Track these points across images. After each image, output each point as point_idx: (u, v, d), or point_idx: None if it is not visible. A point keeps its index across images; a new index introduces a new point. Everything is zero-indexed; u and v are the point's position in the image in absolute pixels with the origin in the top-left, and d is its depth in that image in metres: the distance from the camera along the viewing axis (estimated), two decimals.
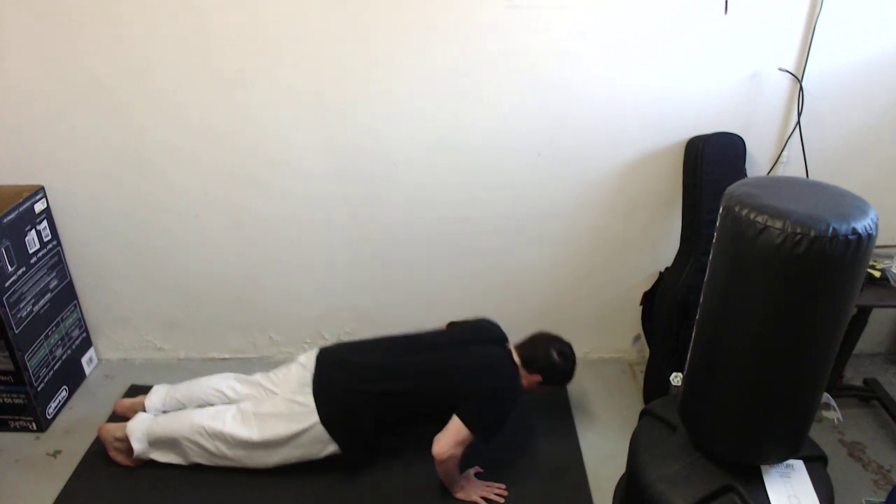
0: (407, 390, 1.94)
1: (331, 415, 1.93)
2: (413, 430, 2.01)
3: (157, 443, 2.02)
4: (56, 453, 2.17)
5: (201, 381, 2.13)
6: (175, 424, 2.00)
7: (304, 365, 2.08)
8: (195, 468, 2.04)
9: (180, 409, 2.10)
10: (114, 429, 2.05)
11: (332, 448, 1.96)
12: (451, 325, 2.26)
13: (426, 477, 2.02)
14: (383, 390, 1.94)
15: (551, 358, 2.03)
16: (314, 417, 1.92)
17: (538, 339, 2.09)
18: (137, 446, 2.00)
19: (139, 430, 2.01)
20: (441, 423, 1.89)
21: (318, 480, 2.04)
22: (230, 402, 2.07)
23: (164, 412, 2.10)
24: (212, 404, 2.08)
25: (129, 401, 2.18)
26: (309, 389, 1.97)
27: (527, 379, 2.04)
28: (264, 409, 1.97)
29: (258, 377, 2.12)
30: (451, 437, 1.85)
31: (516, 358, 2.04)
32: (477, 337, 2.09)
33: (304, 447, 1.96)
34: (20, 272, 2.14)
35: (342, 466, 2.07)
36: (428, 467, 2.00)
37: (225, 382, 2.11)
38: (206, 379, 2.14)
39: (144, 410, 2.10)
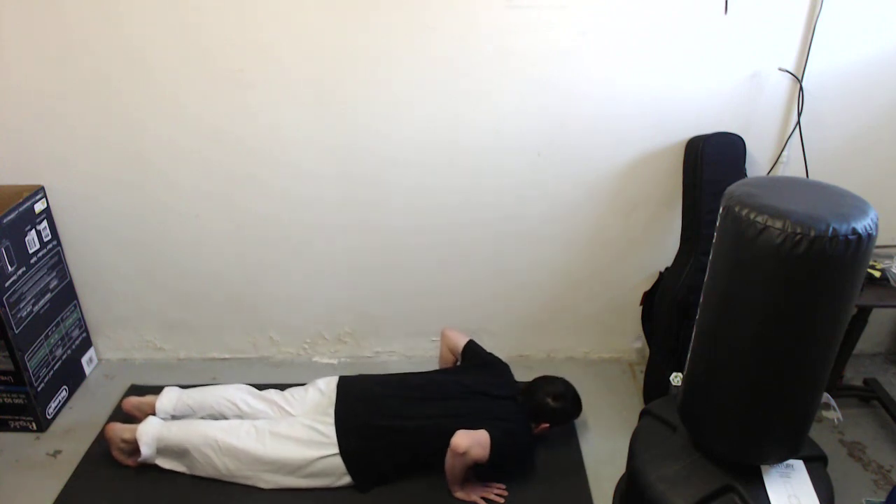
0: (427, 435, 1.96)
1: (351, 448, 1.94)
2: (427, 470, 2.01)
3: (165, 450, 2.01)
4: (56, 453, 2.17)
5: (215, 391, 2.13)
6: (187, 434, 1.99)
7: (322, 391, 2.09)
8: None
9: (190, 415, 2.09)
10: (122, 430, 2.03)
11: (344, 480, 1.97)
12: (467, 350, 2.27)
13: (426, 477, 2.02)
14: (404, 430, 1.96)
15: (548, 406, 2.09)
16: (333, 448, 1.93)
17: (532, 391, 2.13)
18: (146, 451, 1.99)
19: (149, 436, 1.99)
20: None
21: None
22: (242, 415, 2.07)
23: (174, 417, 2.09)
24: (223, 415, 2.08)
25: (136, 399, 2.14)
26: (329, 420, 1.97)
27: (537, 428, 2.09)
28: (281, 429, 1.97)
29: (273, 394, 2.13)
30: (475, 436, 1.87)
31: None
32: (495, 392, 2.10)
33: (317, 477, 1.96)
34: (20, 272, 2.14)
35: None
36: (428, 468, 2.00)
37: (239, 395, 2.11)
38: (220, 389, 2.14)
39: (153, 412, 2.08)
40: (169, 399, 2.11)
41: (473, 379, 2.15)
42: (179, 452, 2.00)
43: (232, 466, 1.96)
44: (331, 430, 1.95)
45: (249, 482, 1.98)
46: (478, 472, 2.03)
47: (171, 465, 2.03)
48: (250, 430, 1.98)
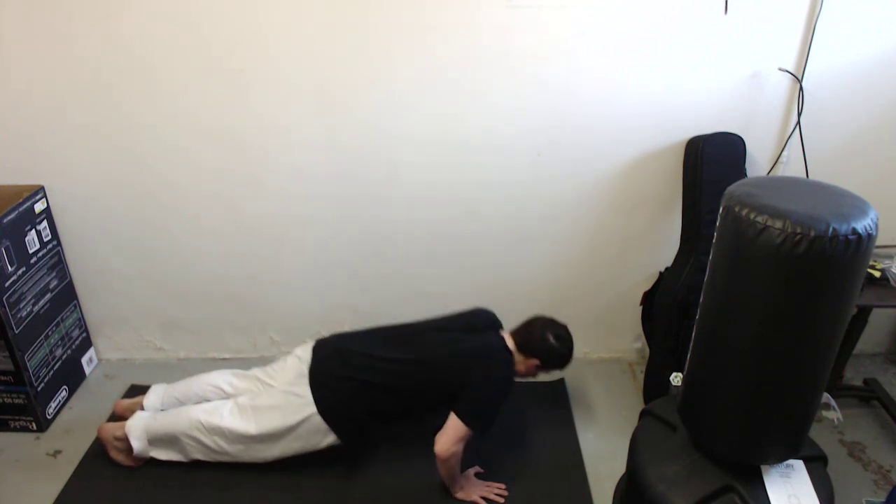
0: (401, 378, 1.94)
1: (327, 404, 1.92)
2: (411, 423, 2.00)
3: (156, 440, 2.02)
4: (56, 453, 2.17)
5: (199, 378, 2.13)
6: (173, 421, 2.00)
7: (300, 357, 2.08)
8: (196, 468, 2.04)
9: (178, 406, 2.09)
10: (113, 428, 2.05)
11: (330, 438, 1.96)
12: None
13: (426, 476, 2.02)
14: (378, 379, 1.94)
15: (548, 341, 2.02)
16: (311, 408, 1.92)
17: (534, 322, 2.08)
18: (137, 444, 2.00)
19: (138, 429, 2.01)
20: (437, 413, 1.90)
21: (320, 480, 2.04)
22: (228, 397, 2.07)
23: (163, 411, 2.09)
24: (210, 400, 2.08)
25: (127, 401, 2.18)
26: (305, 381, 1.96)
27: (524, 364, 2.03)
28: (261, 401, 1.97)
29: (255, 371, 2.12)
30: (450, 434, 1.85)
31: (511, 343, 2.04)
32: (470, 325, 2.08)
33: (303, 438, 1.95)
34: (20, 272, 2.14)
35: (343, 465, 2.08)
36: (428, 467, 2.00)
37: (222, 378, 2.11)
38: (204, 376, 2.14)
39: (143, 410, 2.10)
40: (156, 394, 2.12)
41: (451, 317, 2.12)
42: (170, 440, 2.01)
43: (223, 443, 1.96)
44: (307, 391, 1.94)
45: (245, 457, 1.99)
46: (477, 472, 2.02)
47: (166, 455, 2.03)
48: (233, 408, 1.98)
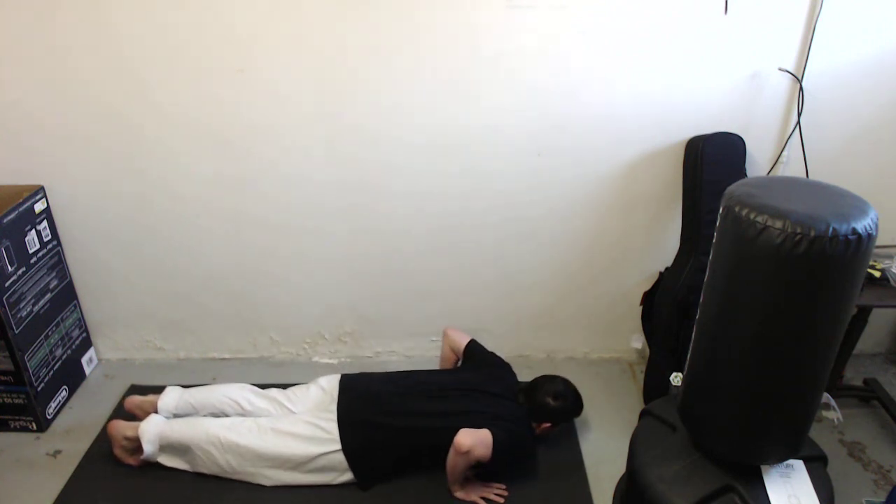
0: (428, 432, 1.96)
1: (353, 444, 1.94)
2: (428, 467, 2.02)
3: (168, 447, 2.01)
4: (56, 453, 2.17)
5: (217, 389, 2.13)
6: (189, 432, 1.99)
7: (324, 389, 2.10)
8: None
9: (193, 413, 2.09)
10: (125, 427, 2.04)
11: (346, 477, 1.98)
12: (468, 350, 2.28)
13: (426, 476, 2.02)
14: (408, 432, 1.97)
15: (549, 405, 2.08)
16: (336, 445, 1.94)
17: (532, 390, 2.13)
18: (149, 448, 1.99)
19: (152, 433, 1.99)
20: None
21: None
22: (244, 413, 2.07)
23: (176, 415, 2.09)
24: (225, 413, 2.08)
25: (138, 398, 2.15)
26: (332, 416, 1.98)
27: (539, 428, 2.10)
28: (283, 426, 1.98)
29: (275, 393, 2.13)
30: (478, 435, 1.88)
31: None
32: (495, 390, 2.10)
33: (319, 472, 1.97)
34: (20, 272, 2.14)
35: None
36: (428, 468, 2.00)
37: (241, 393, 2.11)
38: (223, 387, 2.14)
39: (155, 411, 2.08)
40: (171, 398, 2.11)
41: (474, 378, 2.15)
42: (182, 450, 2.00)
43: (234, 463, 1.96)
44: (333, 427, 1.95)
45: (252, 479, 1.99)
46: (478, 472, 2.03)
47: (173, 462, 2.03)
48: (252, 427, 1.98)
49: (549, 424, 2.10)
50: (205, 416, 2.08)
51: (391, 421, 1.97)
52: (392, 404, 2.02)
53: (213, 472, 2.00)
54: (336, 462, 1.95)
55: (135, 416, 2.12)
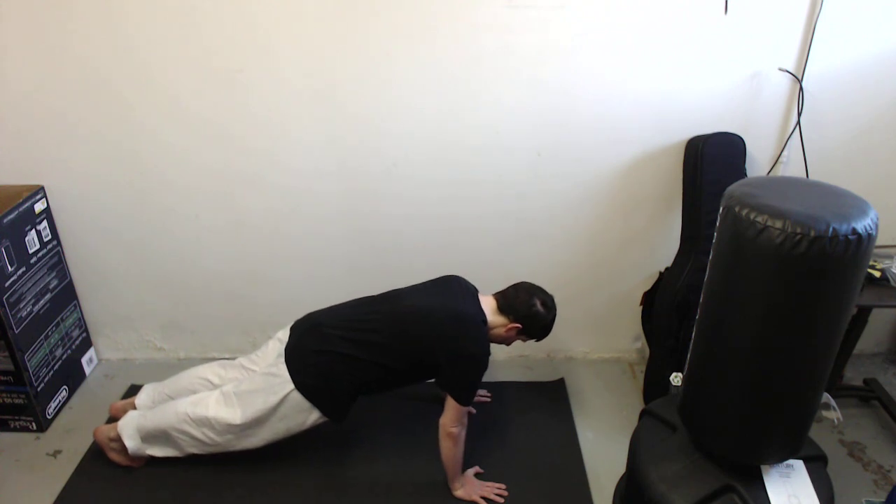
0: (374, 344, 1.91)
1: (305, 380, 1.90)
2: (392, 394, 1.99)
3: (148, 437, 2.01)
4: (56, 453, 2.17)
5: (187, 373, 2.13)
6: (162, 416, 1.99)
7: (280, 339, 2.07)
8: (194, 467, 2.04)
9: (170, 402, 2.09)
10: (107, 430, 2.05)
11: (315, 415, 1.93)
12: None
13: (426, 477, 2.02)
14: (351, 349, 1.91)
15: (535, 306, 1.99)
16: (289, 386, 1.90)
17: (521, 286, 2.05)
18: (130, 443, 2.00)
19: (129, 427, 2.01)
20: (413, 383, 1.97)
21: (317, 480, 2.04)
22: (216, 388, 2.06)
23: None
24: (198, 393, 2.07)
25: (121, 402, 2.20)
26: (283, 359, 1.95)
27: (504, 328, 1.99)
28: (244, 387, 1.96)
29: (240, 360, 2.11)
30: (451, 414, 1.87)
31: (493, 305, 2.01)
32: (445, 290, 2.04)
33: (287, 418, 1.93)
34: (20, 272, 2.14)
35: (343, 464, 2.07)
36: (428, 467, 2.00)
37: (209, 370, 2.11)
38: (192, 370, 2.14)
39: (135, 409, 2.10)
40: (147, 393, 2.13)
41: (426, 286, 2.08)
42: (162, 436, 2.00)
43: (213, 435, 1.96)
44: (284, 370, 1.92)
45: (238, 447, 1.98)
46: (478, 473, 2.02)
47: (162, 451, 2.03)
48: (219, 397, 1.97)
49: (519, 326, 1.98)
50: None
51: (335, 346, 1.91)
52: (333, 328, 1.96)
53: (201, 450, 2.00)
54: (297, 403, 1.90)
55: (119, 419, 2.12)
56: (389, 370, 1.92)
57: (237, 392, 1.95)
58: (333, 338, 1.93)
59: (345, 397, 1.95)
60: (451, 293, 2.01)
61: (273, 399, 1.91)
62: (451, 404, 1.88)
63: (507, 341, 2.05)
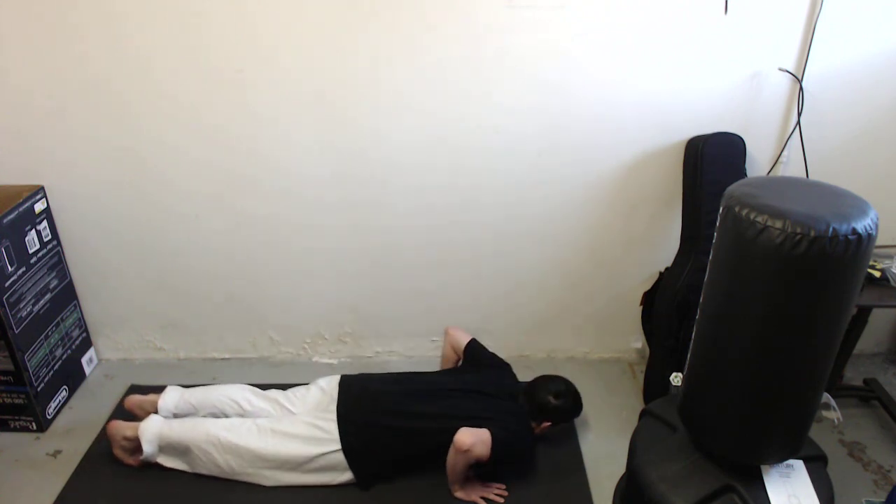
0: (428, 433, 1.96)
1: (353, 444, 1.95)
2: (428, 467, 2.01)
3: (168, 448, 2.01)
4: (56, 453, 2.17)
5: (217, 389, 2.13)
6: (189, 432, 1.99)
7: (324, 389, 2.10)
8: None
9: (192, 413, 2.09)
10: (124, 427, 2.03)
11: (346, 477, 1.98)
12: (469, 349, 2.28)
13: (426, 476, 2.02)
14: (407, 428, 1.96)
15: (550, 404, 2.09)
16: (336, 445, 1.94)
17: (533, 388, 2.14)
18: (148, 448, 1.99)
19: (151, 433, 1.99)
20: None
21: None
22: (244, 413, 2.08)
23: (176, 415, 2.09)
24: (225, 414, 2.08)
25: (138, 398, 2.14)
26: (331, 416, 1.98)
27: (538, 428, 2.10)
28: (283, 427, 1.97)
29: (275, 393, 2.13)
30: (478, 434, 1.88)
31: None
32: (495, 391, 2.11)
33: (318, 473, 1.97)
34: (20, 272, 2.14)
35: None
36: (428, 468, 2.00)
37: (241, 394, 2.11)
38: (223, 387, 2.14)
39: (155, 410, 2.08)
40: (171, 397, 2.11)
41: (474, 378, 2.15)
42: (181, 450, 2.00)
43: (234, 464, 1.96)
44: (332, 427, 1.95)
45: (251, 479, 1.98)
46: (478, 472, 2.03)
47: (172, 463, 2.03)
48: (252, 427, 1.98)
49: (548, 423, 2.10)
50: (204, 416, 2.08)
51: (391, 421, 1.97)
52: (393, 404, 2.02)
53: (212, 472, 2.00)
54: (336, 462, 1.95)
55: (134, 416, 2.12)
56: (435, 453, 1.95)
57: (274, 429, 1.97)
58: (389, 413, 1.99)
59: (384, 469, 2.01)
60: (501, 398, 2.09)
61: (314, 451, 1.94)
62: (483, 432, 1.88)
63: (546, 431, 2.14)
